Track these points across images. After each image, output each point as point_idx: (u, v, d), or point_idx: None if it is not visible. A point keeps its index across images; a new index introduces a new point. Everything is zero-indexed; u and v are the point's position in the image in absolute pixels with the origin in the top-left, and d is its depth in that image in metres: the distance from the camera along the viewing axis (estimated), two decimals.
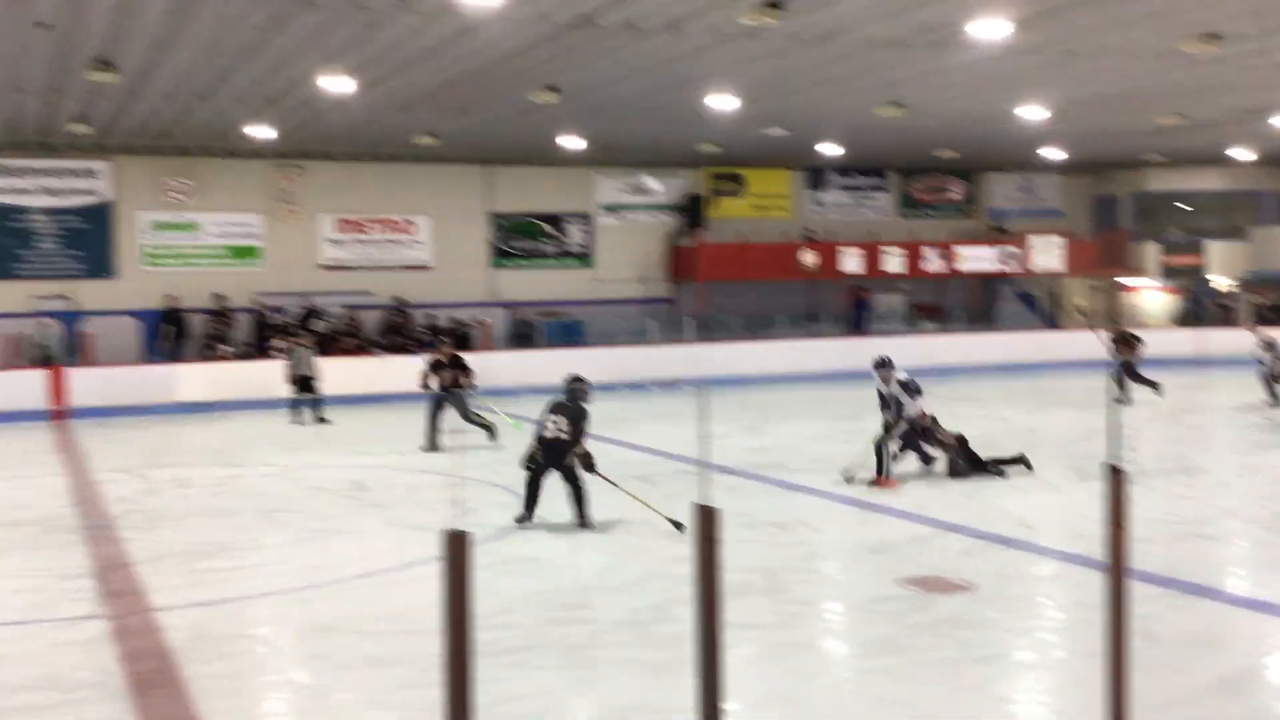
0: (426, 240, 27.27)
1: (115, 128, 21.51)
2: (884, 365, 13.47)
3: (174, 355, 23.88)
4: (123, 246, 24.68)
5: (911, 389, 13.14)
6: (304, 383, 19.86)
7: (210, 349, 24.06)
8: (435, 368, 16.66)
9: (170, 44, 14.96)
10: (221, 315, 24.63)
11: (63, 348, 23.18)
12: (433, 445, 16.24)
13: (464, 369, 16.75)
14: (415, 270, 27.07)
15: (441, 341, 19.96)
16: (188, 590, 8.95)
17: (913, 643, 7.30)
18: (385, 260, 26.89)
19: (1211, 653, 7.02)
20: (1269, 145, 27.52)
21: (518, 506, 11.37)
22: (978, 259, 30.96)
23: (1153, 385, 19.81)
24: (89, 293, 24.33)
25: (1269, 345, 19.87)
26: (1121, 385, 20.06)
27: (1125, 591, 3.45)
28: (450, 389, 16.52)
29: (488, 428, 16.56)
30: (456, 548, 2.00)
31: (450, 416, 16.42)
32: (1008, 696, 6.31)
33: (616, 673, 6.95)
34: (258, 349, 24.11)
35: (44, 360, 22.60)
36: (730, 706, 2.42)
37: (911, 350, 27.87)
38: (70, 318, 23.90)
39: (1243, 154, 29.00)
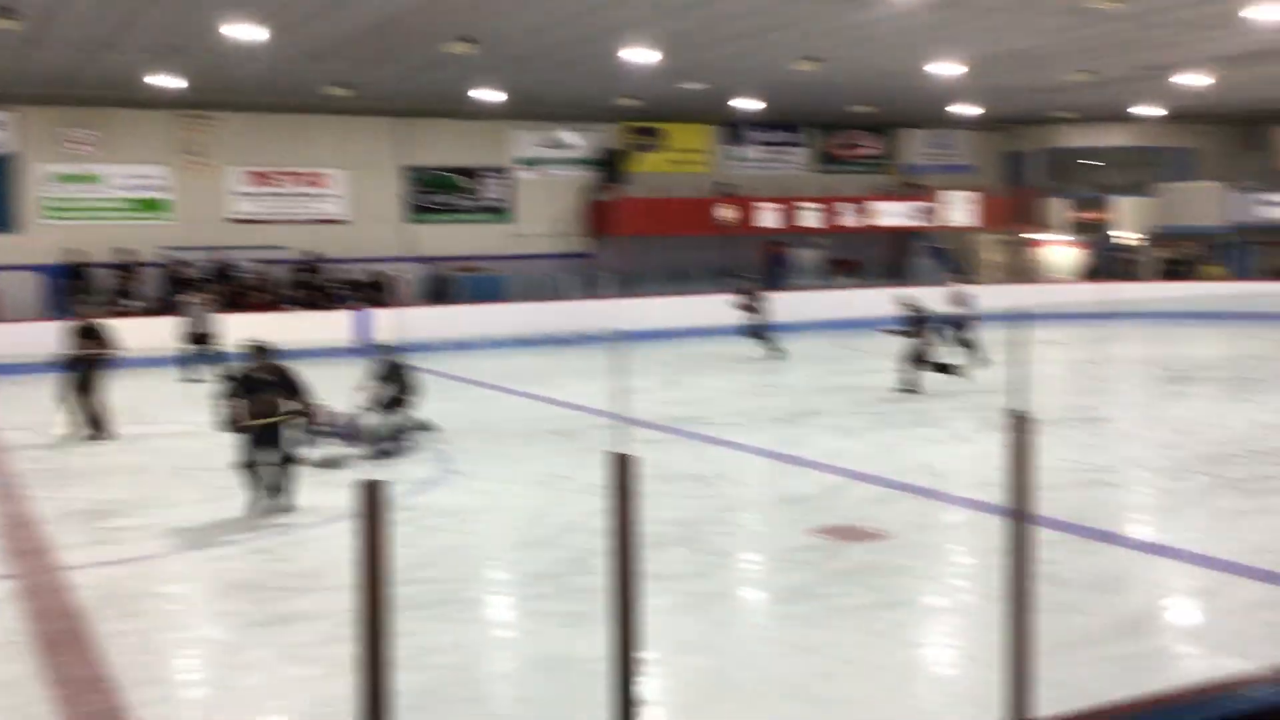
0: (341, 194, 26.81)
1: (17, 77, 20.76)
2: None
3: (76, 311, 23.22)
4: (24, 199, 23.92)
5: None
6: (200, 340, 19.55)
7: (115, 305, 23.45)
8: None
9: None
10: (127, 270, 24.02)
11: None
12: None
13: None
14: (329, 224, 26.61)
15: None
16: (96, 549, 8.79)
17: (827, 590, 7.44)
18: (298, 214, 26.38)
19: (1114, 595, 7.26)
20: (1175, 103, 28.13)
21: (434, 464, 11.32)
22: (892, 214, 31.30)
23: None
24: None
25: None
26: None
27: (1028, 537, 3.54)
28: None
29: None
30: (371, 498, 1.99)
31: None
32: (918, 640, 6.47)
33: (535, 625, 7.00)
34: (166, 304, 23.57)
35: None
36: (647, 655, 2.45)
37: (828, 304, 28.25)
38: None
39: (1150, 111, 29.61)
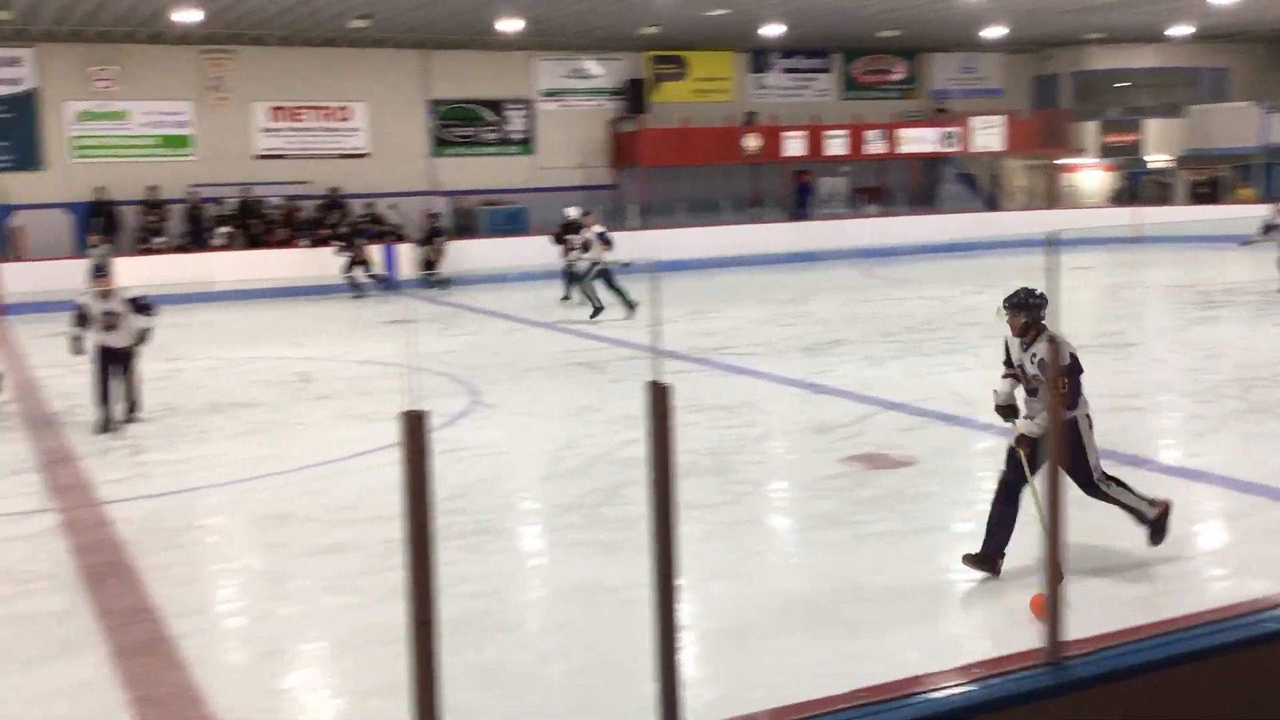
0: (363, 127, 26.75)
1: (37, 13, 20.73)
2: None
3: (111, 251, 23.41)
4: (50, 137, 23.98)
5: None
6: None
7: (144, 242, 23.60)
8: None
9: None
10: (154, 207, 24.11)
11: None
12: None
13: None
14: (353, 158, 26.59)
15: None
16: (137, 483, 8.95)
17: (857, 517, 7.50)
18: (322, 149, 26.37)
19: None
20: (1207, 21, 27.60)
21: (464, 394, 11.41)
22: (919, 140, 30.97)
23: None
24: (17, 185, 23.68)
25: None
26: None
27: (1057, 463, 3.56)
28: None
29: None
30: (415, 426, 2.03)
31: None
32: (948, 565, 6.52)
33: (568, 554, 7.09)
34: (193, 241, 23.71)
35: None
36: (679, 581, 2.50)
37: (854, 232, 28.09)
38: (0, 212, 23.30)
39: (1181, 30, 29.07)
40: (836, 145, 29.91)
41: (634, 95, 28.96)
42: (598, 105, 29.01)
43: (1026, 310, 6.28)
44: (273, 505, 8.26)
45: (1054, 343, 5.87)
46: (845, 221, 28.99)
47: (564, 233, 19.46)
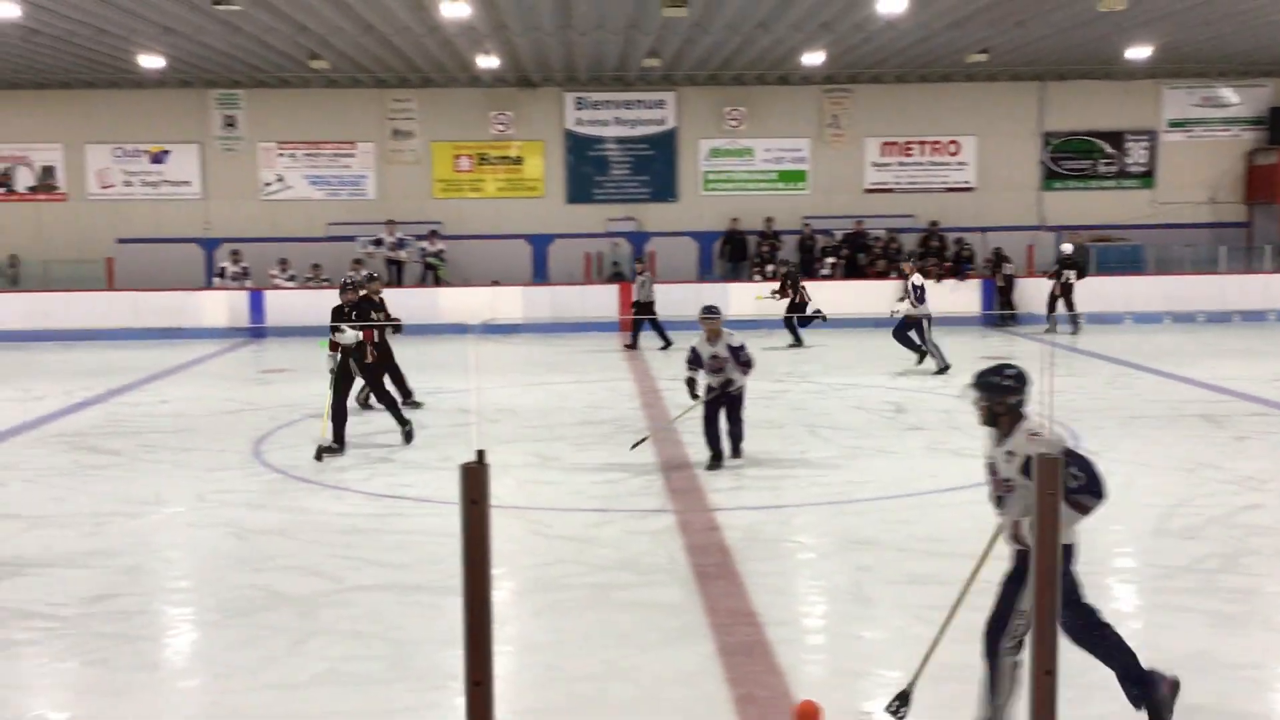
0: (970, 161, 26.62)
1: (681, 60, 22.96)
2: None
3: (729, 275, 25.42)
4: (684, 172, 26.42)
5: None
6: (644, 308, 20.63)
7: (758, 270, 25.25)
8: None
9: None
10: (769, 237, 25.71)
11: (631, 266, 25.36)
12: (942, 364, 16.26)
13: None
14: (957, 192, 26.57)
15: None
16: (741, 494, 9.58)
17: None
18: (928, 182, 26.64)
19: None
20: None
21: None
22: None
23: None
24: (653, 214, 26.36)
25: None
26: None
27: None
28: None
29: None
30: (1049, 470, 1.99)
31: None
32: None
33: (1175, 619, 6.55)
34: (802, 271, 24.97)
35: (615, 277, 24.89)
36: None
37: None
38: (637, 238, 26.07)
39: None
40: None
41: (1274, 124, 26.16)
42: (1232, 135, 26.56)
43: (998, 393, 4.90)
44: (861, 529, 8.46)
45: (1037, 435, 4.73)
46: None
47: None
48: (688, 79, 25.31)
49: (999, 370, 4.98)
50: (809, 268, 24.98)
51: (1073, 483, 4.70)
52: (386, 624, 6.53)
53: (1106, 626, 4.99)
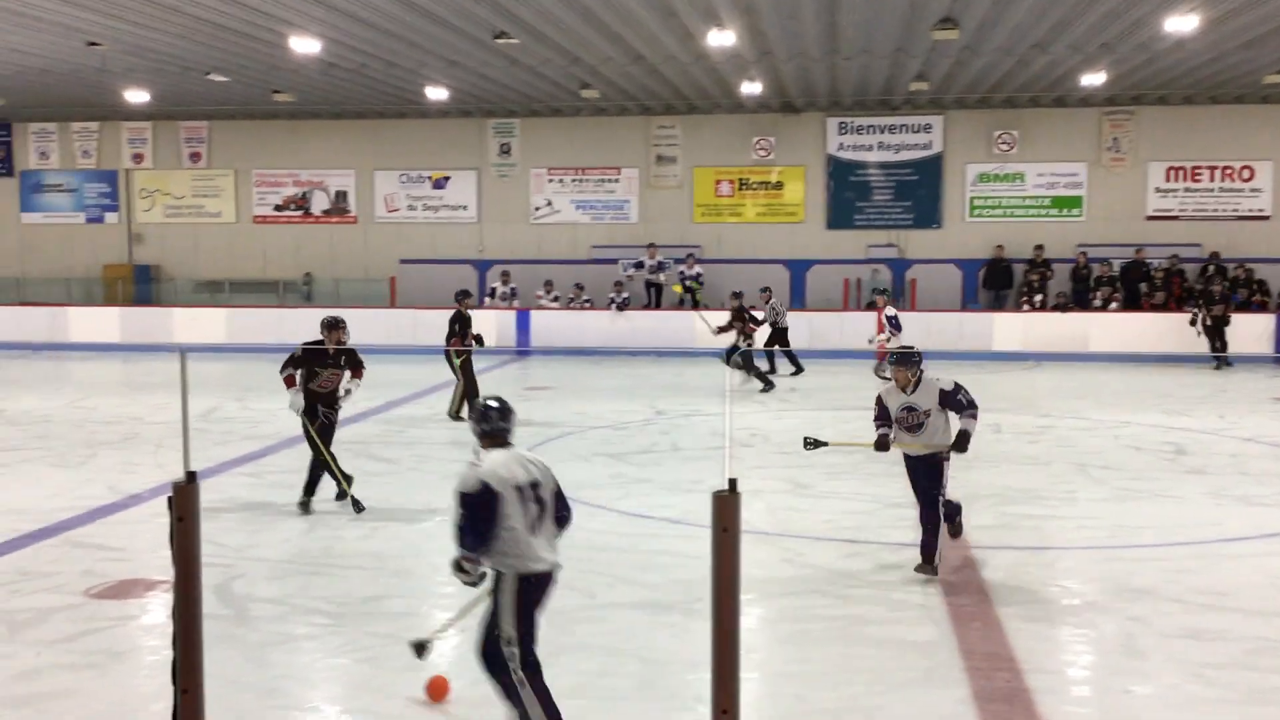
0: (1266, 188, 24.79)
1: (950, 83, 22.43)
2: None
3: (993, 304, 24.58)
4: (950, 198, 25.76)
5: None
6: (779, 336, 20.03)
7: (1026, 299, 24.30)
8: None
9: None
10: (1038, 266, 24.70)
11: (893, 292, 24.90)
12: None
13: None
14: (1250, 220, 24.78)
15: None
16: (1001, 532, 9.21)
17: None
18: (1217, 210, 24.96)
19: None
20: None
21: None
22: None
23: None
24: (915, 241, 25.81)
25: None
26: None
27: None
28: None
29: None
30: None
31: None
32: None
33: None
34: (1074, 301, 23.86)
35: (872, 305, 24.47)
36: None
37: None
38: (898, 265, 25.57)
39: None
40: None
41: None
42: None
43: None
44: (1135, 577, 7.97)
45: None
46: None
47: None
48: (956, 102, 24.70)
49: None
50: (1082, 299, 23.82)
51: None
52: (638, 642, 6.63)
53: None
